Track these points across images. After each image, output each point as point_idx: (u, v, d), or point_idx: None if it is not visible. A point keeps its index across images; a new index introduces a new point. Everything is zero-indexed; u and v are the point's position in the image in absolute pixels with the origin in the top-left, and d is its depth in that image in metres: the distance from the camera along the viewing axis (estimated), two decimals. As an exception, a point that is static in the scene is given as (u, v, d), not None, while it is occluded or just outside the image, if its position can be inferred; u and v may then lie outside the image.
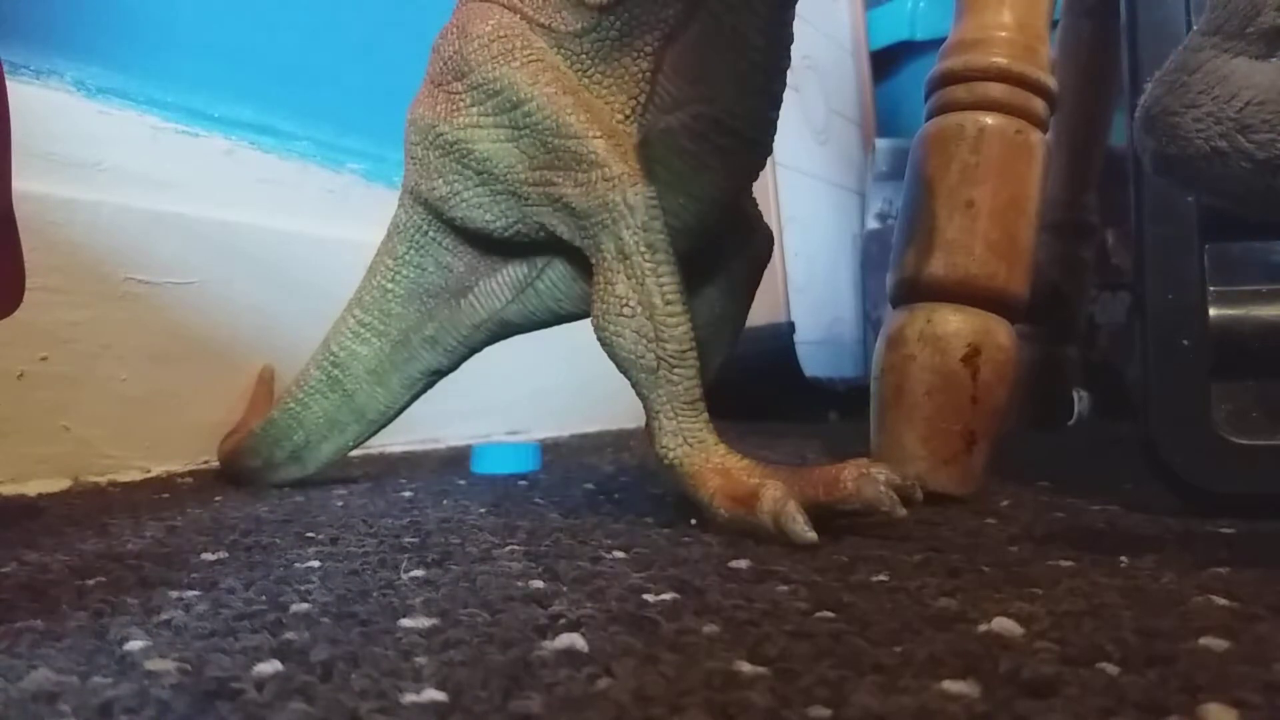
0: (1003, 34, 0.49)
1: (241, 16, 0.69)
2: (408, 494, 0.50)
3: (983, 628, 0.24)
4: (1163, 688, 0.20)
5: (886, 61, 1.62)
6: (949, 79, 0.50)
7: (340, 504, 0.46)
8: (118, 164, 0.59)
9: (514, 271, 0.45)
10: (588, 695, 0.19)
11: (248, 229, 0.65)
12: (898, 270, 0.50)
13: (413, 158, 0.45)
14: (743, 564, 0.32)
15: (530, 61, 0.40)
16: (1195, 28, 0.29)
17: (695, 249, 0.43)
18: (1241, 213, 0.30)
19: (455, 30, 0.43)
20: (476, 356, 0.49)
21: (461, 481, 0.56)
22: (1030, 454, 0.71)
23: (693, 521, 0.40)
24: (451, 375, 0.50)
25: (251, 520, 0.41)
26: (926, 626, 0.24)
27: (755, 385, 0.93)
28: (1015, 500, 0.48)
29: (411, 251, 0.46)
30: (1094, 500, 0.48)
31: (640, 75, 0.40)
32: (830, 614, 0.26)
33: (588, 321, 0.42)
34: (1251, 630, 0.24)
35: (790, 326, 1.14)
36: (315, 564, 0.32)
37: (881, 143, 1.50)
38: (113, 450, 0.56)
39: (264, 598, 0.28)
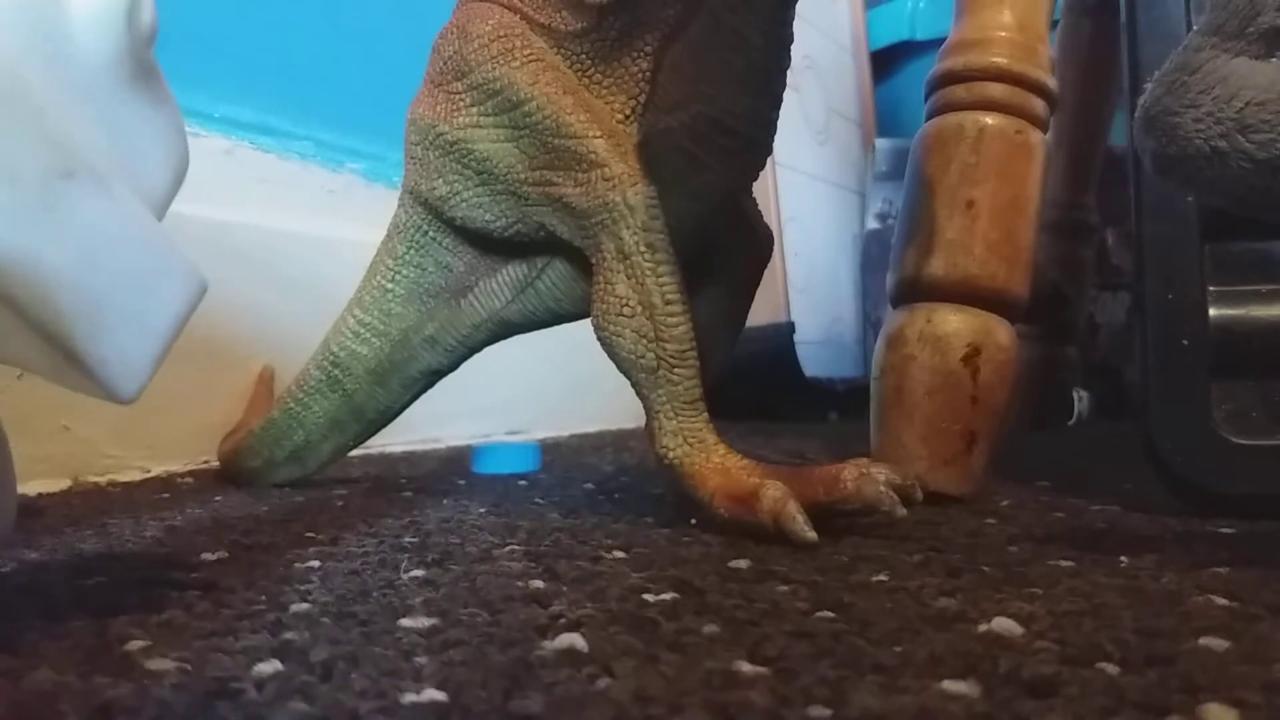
0: (1003, 34, 0.49)
1: (241, 16, 0.69)
2: (408, 494, 0.50)
3: (983, 628, 0.24)
4: (1163, 688, 0.20)
5: (886, 61, 1.61)
6: (949, 79, 0.50)
7: (340, 504, 0.46)
8: (118, 164, 0.59)
9: (514, 271, 0.45)
10: (588, 695, 0.19)
11: (247, 229, 0.65)
12: (898, 270, 0.50)
13: (413, 158, 0.45)
14: (743, 564, 0.32)
15: (530, 61, 0.40)
16: (1195, 28, 0.29)
17: (695, 249, 0.43)
18: (1241, 213, 0.30)
19: (455, 30, 0.43)
20: (476, 356, 0.49)
21: (461, 481, 0.55)
22: (1030, 454, 0.71)
23: (693, 521, 0.40)
24: (451, 375, 0.49)
25: (251, 520, 0.41)
26: (926, 626, 0.24)
27: (755, 385, 0.93)
28: (1015, 500, 0.48)
29: (411, 251, 0.46)
30: (1094, 500, 0.48)
31: (640, 75, 0.40)
32: (830, 614, 0.26)
33: (588, 321, 0.42)
34: (1251, 630, 0.24)
35: (790, 326, 1.13)
36: (315, 564, 0.32)
37: (881, 143, 1.50)
38: (113, 450, 0.55)
39: (264, 598, 0.27)
